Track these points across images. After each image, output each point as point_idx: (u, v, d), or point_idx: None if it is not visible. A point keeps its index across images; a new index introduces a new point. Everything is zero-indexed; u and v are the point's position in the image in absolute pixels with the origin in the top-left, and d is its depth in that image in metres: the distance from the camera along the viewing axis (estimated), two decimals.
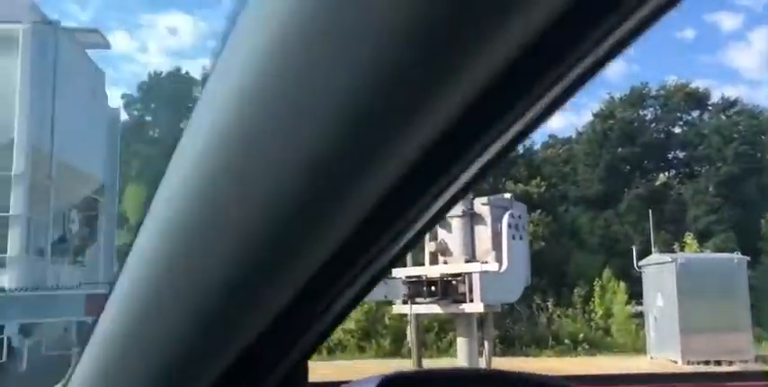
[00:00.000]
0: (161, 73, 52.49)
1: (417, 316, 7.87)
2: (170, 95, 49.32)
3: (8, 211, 6.59)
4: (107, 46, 9.33)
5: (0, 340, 6.19)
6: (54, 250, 7.49)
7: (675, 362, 13.64)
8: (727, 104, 30.33)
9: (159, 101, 50.36)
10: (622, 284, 19.35)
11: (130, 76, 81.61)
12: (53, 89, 7.39)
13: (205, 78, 0.48)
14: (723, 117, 30.02)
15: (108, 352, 0.62)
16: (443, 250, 7.53)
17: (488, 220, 7.40)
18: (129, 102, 51.28)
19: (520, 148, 21.89)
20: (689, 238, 20.61)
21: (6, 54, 6.94)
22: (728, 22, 59.37)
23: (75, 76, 8.15)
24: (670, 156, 30.63)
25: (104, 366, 0.62)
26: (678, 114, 30.92)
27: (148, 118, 51.77)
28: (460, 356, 7.67)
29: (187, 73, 52.28)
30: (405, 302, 7.49)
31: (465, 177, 0.47)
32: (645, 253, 16.46)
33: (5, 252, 6.49)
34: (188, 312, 0.54)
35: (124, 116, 50.33)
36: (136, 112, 51.71)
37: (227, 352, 0.56)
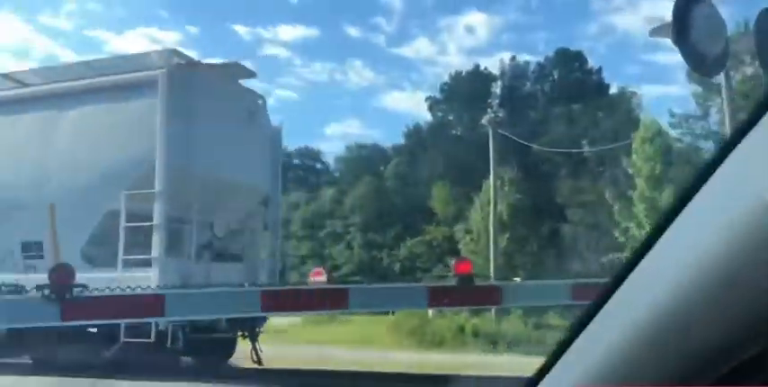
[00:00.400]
0: (461, 72, 53.97)
1: None
2: (469, 94, 50.43)
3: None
4: (252, 75, 10.50)
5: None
6: (198, 253, 8.97)
7: None
8: None
9: (460, 100, 51.78)
10: None
11: (433, 78, 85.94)
12: (193, 118, 8.79)
13: None
14: None
15: (624, 337, 0.74)
16: None
17: None
18: (432, 104, 53.82)
19: None
20: None
21: (151, 95, 8.67)
22: None
23: (224, 103, 9.51)
24: None
25: (618, 350, 0.75)
26: None
27: (450, 117, 53.62)
28: None
29: (486, 69, 52.86)
30: None
31: None
32: None
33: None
34: (724, 312, 0.66)
35: (428, 117, 53.69)
36: (440, 113, 53.98)
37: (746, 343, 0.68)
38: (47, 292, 5.73)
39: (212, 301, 6.69)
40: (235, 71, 9.93)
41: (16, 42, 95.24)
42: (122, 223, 8.26)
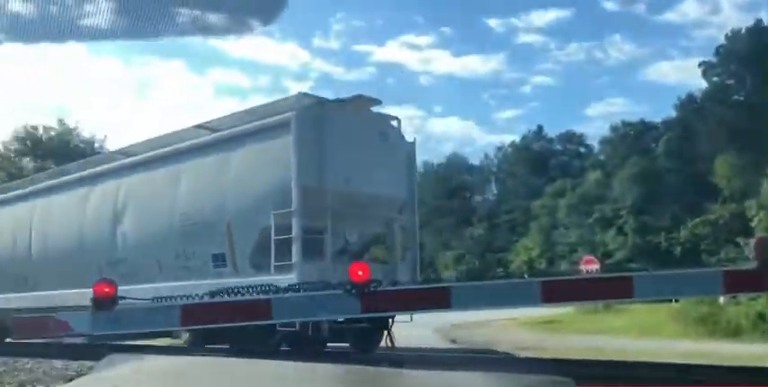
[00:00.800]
0: (739, 30, 48.07)
1: None
2: (751, 53, 44.77)
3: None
4: (378, 102, 11.77)
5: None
6: (334, 257, 10.31)
7: None
8: None
9: (741, 61, 46.20)
10: None
11: (705, 42, 77.05)
12: (324, 146, 10.52)
13: None
14: None
15: None
16: None
17: None
18: (706, 69, 48.80)
19: None
20: None
21: (286, 134, 10.56)
22: None
23: (354, 129, 10.95)
24: None
25: None
26: None
27: (730, 81, 48.08)
28: None
29: None
30: None
31: None
32: None
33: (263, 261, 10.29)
34: None
35: (702, 84, 48.50)
36: (716, 78, 48.76)
37: None
38: (349, 287, 6.55)
39: (493, 292, 7.18)
40: (363, 102, 11.41)
41: (296, 66, 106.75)
42: (272, 236, 10.22)
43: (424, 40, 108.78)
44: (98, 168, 13.81)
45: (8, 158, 40.78)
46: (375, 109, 11.59)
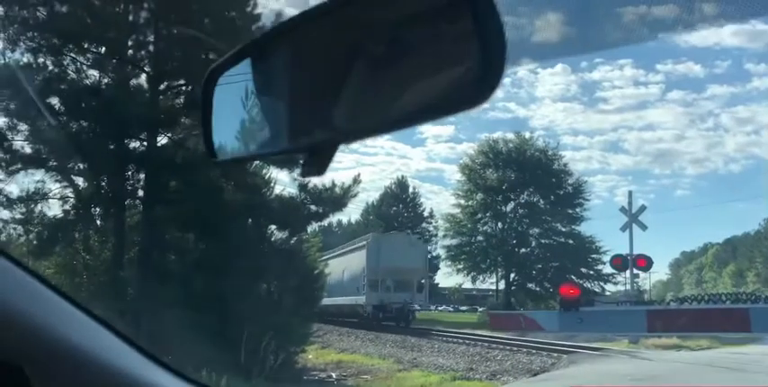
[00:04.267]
0: None
1: None
2: None
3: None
4: (428, 243, 43.21)
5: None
6: (383, 290, 31.25)
7: None
8: None
9: None
10: None
11: None
12: (381, 252, 31.40)
13: None
14: None
15: None
16: None
17: None
18: None
19: None
20: None
21: (364, 249, 32.40)
22: None
23: (398, 241, 32.96)
24: None
25: None
26: None
27: None
28: None
29: None
30: None
31: None
32: None
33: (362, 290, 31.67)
34: None
35: None
36: None
37: None
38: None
39: None
40: (406, 233, 40.30)
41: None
42: (365, 281, 31.43)
43: None
44: (348, 248, 35.31)
45: (474, 170, 45.75)
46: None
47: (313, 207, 14.33)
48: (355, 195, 14.58)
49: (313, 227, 19.20)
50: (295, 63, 0.98)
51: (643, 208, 27.71)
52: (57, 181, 13.30)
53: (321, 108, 0.92)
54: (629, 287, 28.23)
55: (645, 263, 25.61)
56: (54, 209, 13.45)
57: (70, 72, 12.87)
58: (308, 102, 0.95)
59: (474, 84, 0.71)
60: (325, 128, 0.92)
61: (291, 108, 0.99)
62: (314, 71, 0.95)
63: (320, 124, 0.93)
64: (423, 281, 32.32)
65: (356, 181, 14.66)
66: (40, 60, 12.58)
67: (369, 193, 77.34)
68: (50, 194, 13.24)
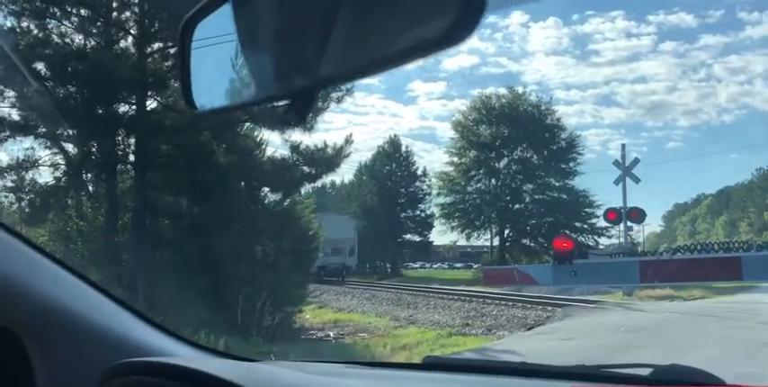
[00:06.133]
0: None
1: None
2: None
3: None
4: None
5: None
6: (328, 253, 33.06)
7: None
8: None
9: None
10: None
11: None
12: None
13: None
14: None
15: None
16: None
17: None
18: None
19: None
20: None
21: None
22: None
23: (335, 221, 37.02)
24: None
25: None
26: None
27: None
28: None
29: None
30: None
31: None
32: None
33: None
34: None
35: None
36: None
37: None
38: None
39: None
40: (338, 214, 45.84)
41: None
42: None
43: None
44: None
45: (467, 127, 45.60)
46: None
47: (306, 168, 14.30)
48: (348, 155, 14.58)
49: (306, 188, 19.24)
50: (274, 7, 0.95)
51: (636, 161, 27.72)
52: (46, 147, 13.24)
53: (301, 53, 0.89)
54: (622, 240, 28.49)
55: (638, 215, 25.75)
56: (45, 176, 13.42)
57: (54, 36, 12.64)
58: (288, 47, 0.92)
59: (455, 22, 0.68)
60: (306, 73, 0.89)
61: (271, 55, 0.96)
62: (293, 15, 0.91)
63: (300, 70, 0.90)
64: (352, 248, 44.16)
65: (348, 141, 14.63)
66: (24, 24, 12.34)
67: (362, 153, 77.13)
68: (41, 161, 13.18)
